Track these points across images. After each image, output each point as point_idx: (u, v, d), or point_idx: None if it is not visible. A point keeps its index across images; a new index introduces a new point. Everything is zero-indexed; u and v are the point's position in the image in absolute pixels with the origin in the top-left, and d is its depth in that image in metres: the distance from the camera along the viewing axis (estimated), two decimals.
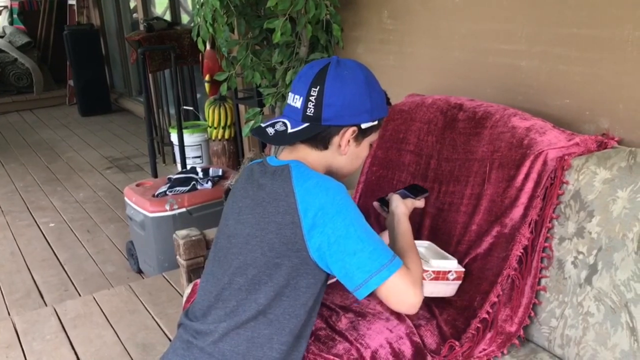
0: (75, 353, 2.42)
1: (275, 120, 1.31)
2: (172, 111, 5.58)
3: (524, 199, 1.64)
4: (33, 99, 8.03)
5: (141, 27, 5.71)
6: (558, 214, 1.57)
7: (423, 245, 1.77)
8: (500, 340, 1.55)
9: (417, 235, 1.91)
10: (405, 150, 2.04)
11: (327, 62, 1.30)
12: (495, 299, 1.59)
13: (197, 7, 2.59)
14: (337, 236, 1.19)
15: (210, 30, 2.52)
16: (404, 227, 1.47)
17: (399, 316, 1.61)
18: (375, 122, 1.34)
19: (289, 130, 1.27)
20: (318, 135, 1.29)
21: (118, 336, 2.53)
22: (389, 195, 1.59)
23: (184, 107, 4.88)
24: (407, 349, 1.52)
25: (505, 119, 1.76)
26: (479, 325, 1.57)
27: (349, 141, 1.32)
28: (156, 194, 3.09)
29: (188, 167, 3.86)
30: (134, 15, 7.05)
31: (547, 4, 1.87)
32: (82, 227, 3.94)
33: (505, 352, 1.54)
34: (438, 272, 1.63)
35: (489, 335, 1.56)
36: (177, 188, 3.11)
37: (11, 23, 9.03)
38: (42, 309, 2.80)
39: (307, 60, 2.72)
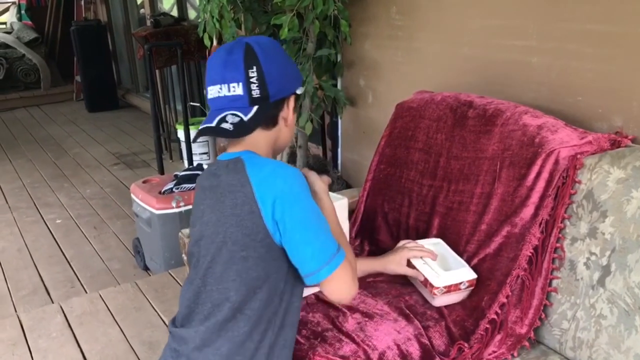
0: (81, 350, 2.41)
1: (222, 115, 1.24)
2: (179, 107, 5.58)
3: (535, 198, 1.61)
4: (40, 94, 8.04)
5: (148, 23, 5.69)
6: (570, 213, 1.54)
7: (432, 243, 1.75)
8: (510, 342, 1.52)
9: (426, 235, 1.89)
10: (414, 148, 2.02)
11: (243, 44, 1.26)
12: (504, 300, 1.56)
13: (204, 3, 2.56)
14: (294, 224, 1.19)
15: (217, 26, 2.50)
16: (328, 206, 1.39)
17: (407, 317, 1.59)
18: (302, 87, 1.39)
19: (245, 119, 1.23)
20: (268, 114, 1.28)
21: (124, 334, 2.52)
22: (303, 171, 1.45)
23: (191, 103, 4.86)
24: (415, 350, 1.49)
25: (516, 116, 1.73)
26: (487, 326, 1.54)
27: (293, 110, 1.35)
28: (162, 191, 3.07)
29: (194, 163, 3.85)
30: (141, 10, 7.04)
31: (559, 0, 1.84)
32: (88, 224, 3.93)
33: (515, 354, 1.51)
34: (449, 285, 1.61)
35: (498, 337, 1.53)
36: (184, 185, 3.10)
37: (19, 19, 9.04)
38: (48, 306, 2.79)
39: (314, 56, 2.70)
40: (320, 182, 1.41)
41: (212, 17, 2.48)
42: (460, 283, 1.62)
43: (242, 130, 1.24)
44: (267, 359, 1.26)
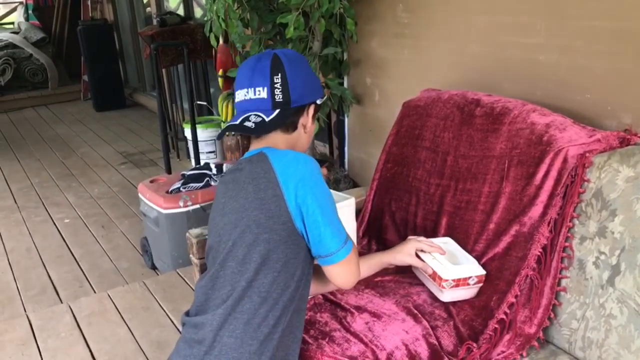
0: (90, 350, 2.42)
1: (246, 115, 1.36)
2: (186, 106, 5.59)
3: (543, 197, 1.60)
4: (48, 94, 8.07)
5: (154, 22, 5.69)
6: (579, 212, 1.53)
7: (442, 242, 1.74)
8: (519, 342, 1.52)
9: (434, 234, 1.88)
10: (421, 146, 2.01)
11: (271, 54, 1.38)
12: (513, 300, 1.56)
13: (210, 2, 2.56)
14: (316, 206, 1.26)
15: (223, 25, 2.50)
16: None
17: (415, 317, 1.59)
18: (325, 96, 1.49)
19: (267, 119, 1.34)
20: (288, 118, 1.38)
21: (132, 333, 2.52)
22: None
23: (198, 102, 4.87)
24: (423, 350, 1.49)
25: (524, 114, 1.72)
26: (496, 326, 1.53)
27: (312, 119, 1.43)
28: (170, 190, 3.08)
29: (202, 162, 3.85)
30: (147, 9, 7.05)
31: None
32: (96, 223, 3.95)
33: (524, 354, 1.50)
34: (458, 279, 1.60)
35: (507, 336, 1.52)
36: (191, 184, 3.10)
37: (26, 19, 9.08)
38: (57, 306, 2.81)
39: (320, 55, 2.69)
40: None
41: (218, 16, 2.48)
42: (469, 278, 1.61)
43: (262, 129, 1.34)
44: (276, 349, 1.28)
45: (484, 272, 1.63)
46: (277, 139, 1.39)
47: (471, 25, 2.19)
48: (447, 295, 1.64)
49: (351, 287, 1.40)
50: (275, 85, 1.34)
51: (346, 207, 1.82)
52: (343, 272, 1.35)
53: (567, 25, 1.84)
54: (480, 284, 1.64)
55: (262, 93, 1.35)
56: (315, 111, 1.46)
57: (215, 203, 1.44)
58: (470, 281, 1.62)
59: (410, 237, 1.72)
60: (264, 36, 2.73)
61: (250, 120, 1.34)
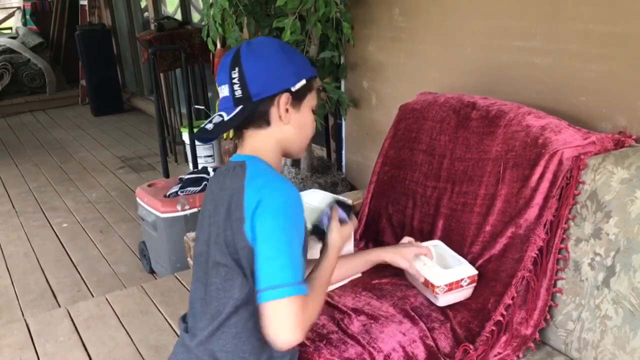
0: (88, 354, 2.43)
1: (213, 116, 1.31)
2: (184, 110, 5.59)
3: (539, 199, 1.61)
4: (46, 99, 8.07)
5: (152, 27, 5.71)
6: (574, 214, 1.54)
7: (432, 245, 1.74)
8: (515, 343, 1.52)
9: (430, 237, 1.89)
10: (418, 149, 2.02)
11: (237, 47, 1.31)
12: (510, 301, 1.56)
13: (207, 7, 2.57)
14: (263, 236, 1.16)
15: (220, 30, 2.51)
16: (331, 262, 1.34)
17: (412, 319, 1.59)
18: (304, 82, 1.29)
19: (226, 118, 1.27)
20: (254, 113, 1.27)
21: (131, 337, 2.53)
22: (327, 224, 1.39)
23: (196, 106, 4.87)
24: (420, 352, 1.50)
25: (519, 117, 1.73)
26: (493, 327, 1.54)
27: (287, 110, 1.29)
28: (168, 194, 3.08)
29: (200, 166, 3.85)
30: (145, 14, 7.06)
31: (562, 0, 1.83)
32: (95, 228, 3.95)
33: (520, 355, 1.51)
34: (450, 283, 1.61)
35: (503, 338, 1.53)
36: (189, 188, 3.10)
37: (24, 24, 9.08)
38: (55, 310, 2.81)
39: (317, 58, 2.70)
40: (336, 236, 1.36)
41: (215, 21, 2.49)
42: (461, 280, 1.62)
43: (220, 129, 1.26)
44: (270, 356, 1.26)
45: (475, 272, 1.64)
46: (255, 137, 1.30)
47: (467, 28, 2.20)
48: (442, 300, 1.64)
49: (280, 346, 1.13)
50: (234, 81, 1.26)
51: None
52: (267, 318, 1.12)
53: (562, 29, 1.85)
54: (474, 284, 1.65)
55: (225, 91, 1.28)
56: (294, 100, 1.29)
57: (202, 206, 1.39)
58: (463, 283, 1.63)
59: (406, 237, 1.72)
60: None
61: (212, 122, 1.28)
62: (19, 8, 9.69)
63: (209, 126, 1.27)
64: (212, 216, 1.30)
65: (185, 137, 4.72)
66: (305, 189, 2.82)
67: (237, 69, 1.25)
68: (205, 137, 1.28)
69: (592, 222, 1.49)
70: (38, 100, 8.02)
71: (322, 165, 3.09)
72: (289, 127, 1.31)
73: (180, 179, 3.24)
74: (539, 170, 1.62)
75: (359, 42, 2.75)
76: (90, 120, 7.17)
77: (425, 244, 1.73)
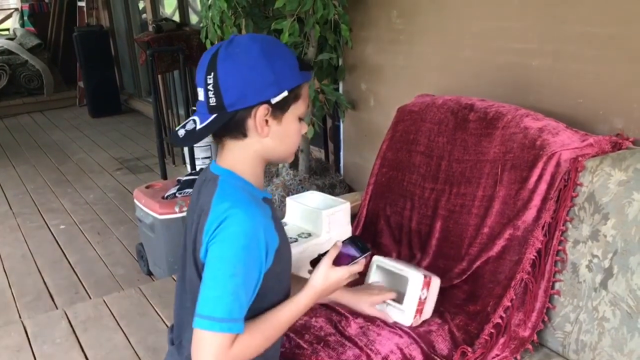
0: (86, 356, 2.42)
1: (187, 121, 1.21)
2: (182, 112, 5.59)
3: (536, 201, 1.61)
4: (43, 100, 8.04)
5: (150, 28, 5.71)
6: (572, 216, 1.55)
7: (374, 263, 1.66)
8: (513, 345, 1.52)
9: (428, 238, 1.89)
10: (416, 151, 2.02)
11: (220, 44, 1.19)
12: (509, 304, 1.57)
13: (205, 9, 2.57)
14: (208, 262, 1.12)
15: (218, 32, 2.51)
16: (299, 305, 1.25)
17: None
18: (285, 94, 1.17)
19: (198, 127, 1.17)
20: (229, 124, 1.17)
21: (128, 339, 2.52)
22: (324, 258, 1.30)
23: (193, 108, 4.88)
24: (418, 355, 1.50)
25: (517, 119, 1.74)
26: (492, 330, 1.54)
27: (266, 121, 1.18)
28: (165, 196, 3.08)
29: (197, 168, 3.85)
30: (143, 16, 7.06)
31: (559, 2, 1.84)
32: (92, 229, 3.94)
33: (518, 357, 1.51)
34: (416, 309, 1.55)
35: (502, 340, 1.53)
36: (187, 190, 3.10)
37: (22, 25, 9.07)
38: (52, 312, 2.80)
39: (315, 60, 2.70)
40: (319, 277, 1.27)
41: (214, 23, 2.49)
42: (420, 297, 1.54)
43: (192, 137, 1.18)
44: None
45: (422, 274, 1.55)
46: (234, 149, 1.21)
47: (465, 31, 2.21)
48: (425, 316, 1.61)
49: None
50: (208, 87, 1.15)
51: (341, 212, 1.84)
52: (193, 345, 1.10)
53: (559, 30, 1.86)
54: (432, 284, 1.58)
55: (201, 95, 1.17)
56: (275, 111, 1.18)
57: (187, 213, 1.32)
58: (422, 296, 1.55)
59: (371, 285, 1.61)
60: None
61: (184, 128, 1.19)
62: (16, 9, 9.69)
63: (181, 132, 1.19)
64: (188, 230, 1.26)
65: None
66: (304, 191, 2.83)
67: (212, 74, 1.15)
68: (177, 143, 1.22)
69: (590, 224, 1.49)
70: (35, 101, 8.00)
71: (320, 167, 3.10)
72: (268, 139, 1.20)
73: (178, 181, 3.23)
74: (536, 172, 1.62)
75: (357, 44, 2.75)
76: (88, 122, 7.15)
77: (370, 277, 1.65)
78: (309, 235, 1.79)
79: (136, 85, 7.69)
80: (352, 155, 3.10)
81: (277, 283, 1.23)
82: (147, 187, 3.25)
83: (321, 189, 2.82)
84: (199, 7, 5.56)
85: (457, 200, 1.84)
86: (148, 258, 3.24)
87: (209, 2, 2.54)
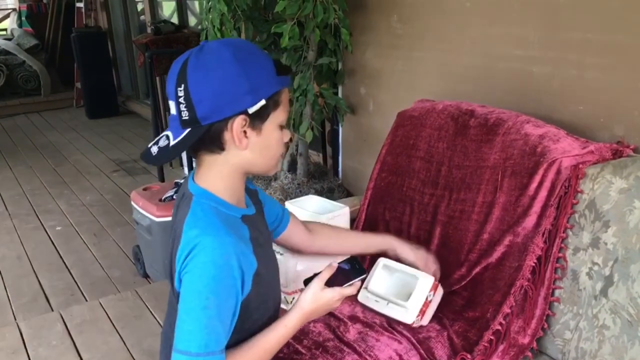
0: (81, 359, 2.40)
1: (160, 136, 1.13)
2: None
3: (537, 207, 1.61)
4: (40, 101, 8.03)
5: (148, 30, 5.70)
6: (572, 223, 1.54)
7: (382, 265, 1.65)
8: (512, 352, 1.52)
9: (428, 244, 1.88)
10: (415, 156, 2.01)
11: (190, 52, 1.10)
12: (508, 310, 1.56)
13: (206, 11, 2.57)
14: (181, 294, 1.08)
15: (218, 35, 2.50)
16: (286, 329, 1.20)
17: (408, 327, 1.58)
18: (263, 102, 1.10)
19: (171, 143, 1.10)
20: (204, 138, 1.10)
21: (124, 342, 2.51)
22: (315, 279, 1.26)
23: None
24: None
25: (517, 126, 1.73)
26: (491, 337, 1.53)
27: (244, 133, 1.11)
28: (163, 198, 3.07)
29: None
30: (141, 17, 7.05)
31: (560, 9, 1.84)
32: (89, 231, 3.92)
33: None
34: (420, 309, 1.54)
35: (501, 347, 1.53)
36: None
37: (19, 25, 9.05)
38: (48, 314, 2.78)
39: (314, 64, 2.70)
40: (308, 298, 1.22)
41: (214, 26, 2.48)
42: (427, 298, 1.54)
43: (164, 155, 1.11)
44: None
45: (432, 278, 1.56)
46: (211, 165, 1.15)
47: (465, 36, 2.21)
48: (425, 320, 1.61)
49: None
50: (180, 100, 1.07)
51: (340, 216, 1.83)
52: None
53: (560, 37, 1.86)
54: (438, 290, 1.60)
55: (173, 109, 1.10)
56: (253, 121, 1.11)
57: (171, 224, 1.26)
58: (429, 297, 1.55)
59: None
60: (260, 45, 2.74)
61: (157, 145, 1.12)
62: (14, 10, 9.66)
63: (154, 149, 1.11)
64: (169, 247, 1.21)
65: None
66: (302, 195, 2.82)
67: (183, 85, 1.07)
68: (149, 161, 1.13)
69: (591, 232, 1.49)
70: (32, 102, 7.98)
71: (318, 170, 3.09)
72: (248, 152, 1.13)
73: (176, 183, 3.22)
74: (537, 178, 1.62)
75: (356, 48, 2.75)
76: (85, 123, 7.14)
77: (376, 268, 1.66)
78: None
79: (134, 87, 7.68)
80: (350, 159, 3.10)
81: (261, 304, 1.19)
82: (144, 190, 3.24)
83: (320, 193, 2.82)
84: (197, 9, 5.57)
85: (457, 206, 1.83)
86: (145, 260, 3.22)
87: (209, 5, 2.54)
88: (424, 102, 2.13)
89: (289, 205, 1.89)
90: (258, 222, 1.26)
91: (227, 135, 1.10)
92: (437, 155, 1.94)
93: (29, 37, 8.53)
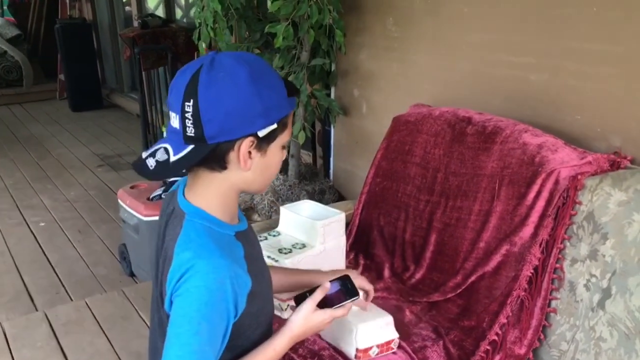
0: None
1: (157, 147, 1.07)
2: (165, 109, 5.51)
3: (534, 217, 1.61)
4: (23, 92, 7.89)
5: (135, 24, 5.62)
6: (570, 234, 1.54)
7: None
8: None
9: (422, 250, 1.88)
10: (411, 162, 2.01)
11: (197, 66, 1.04)
12: (505, 320, 1.56)
13: (198, 10, 2.53)
14: (172, 316, 1.04)
15: (212, 33, 2.47)
16: (277, 350, 1.17)
17: (403, 337, 1.58)
18: (274, 126, 1.07)
19: (172, 158, 1.04)
20: (208, 155, 1.05)
21: (111, 344, 2.47)
22: (309, 297, 1.22)
23: None
24: None
25: (515, 134, 1.73)
26: (488, 347, 1.53)
27: (250, 153, 1.07)
28: (151, 197, 3.03)
29: None
30: (127, 8, 6.96)
31: (559, 18, 1.84)
32: (73, 227, 3.86)
33: None
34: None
35: (497, 357, 1.53)
36: None
37: (1, 15, 8.90)
38: (32, 314, 2.73)
39: (308, 65, 2.68)
40: (298, 320, 1.19)
41: (207, 25, 2.45)
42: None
43: (164, 171, 1.05)
44: None
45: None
46: (209, 182, 1.10)
47: (462, 42, 2.20)
48: None
49: None
50: (186, 115, 1.01)
51: (336, 222, 1.81)
52: None
53: (558, 46, 1.86)
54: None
55: (175, 121, 1.04)
56: (260, 143, 1.07)
57: (156, 234, 1.21)
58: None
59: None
60: (252, 45, 2.71)
61: (155, 157, 1.05)
62: None
63: (151, 163, 1.05)
64: (156, 260, 1.18)
65: None
66: (293, 196, 2.80)
67: (192, 100, 1.01)
68: (147, 175, 1.07)
69: (589, 243, 1.49)
70: (14, 93, 7.84)
71: (309, 172, 3.07)
72: (249, 172, 1.09)
73: (164, 182, 3.18)
74: (535, 188, 1.62)
75: (350, 49, 2.73)
76: (69, 116, 7.03)
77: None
78: (304, 246, 1.76)
79: (118, 80, 7.58)
80: (342, 161, 3.08)
81: (253, 320, 1.16)
82: (131, 188, 3.20)
83: (311, 194, 2.80)
84: (182, 1, 5.51)
85: (453, 214, 1.83)
86: (131, 259, 3.18)
87: (203, 3, 2.50)
88: (420, 107, 2.12)
89: (284, 210, 1.88)
90: (250, 234, 1.23)
91: (232, 155, 1.06)
92: (433, 162, 1.93)
93: (11, 27, 8.38)
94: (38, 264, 3.37)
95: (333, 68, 2.89)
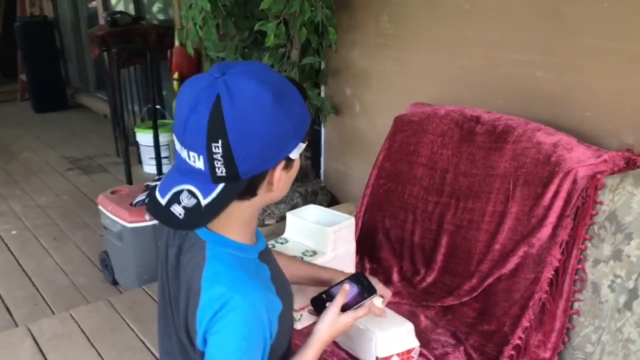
0: None
1: (176, 190, 0.97)
2: (136, 109, 5.36)
3: (552, 218, 1.59)
4: None
5: (102, 21, 5.45)
6: (591, 235, 1.52)
7: None
8: None
9: (433, 253, 1.84)
10: (417, 163, 1.96)
11: (214, 97, 0.92)
12: (527, 324, 1.53)
13: (185, 8, 2.43)
14: (208, 352, 1.00)
15: (200, 33, 2.37)
16: (311, 357, 1.15)
17: (423, 343, 1.54)
18: (304, 144, 1.01)
19: (203, 202, 0.95)
20: (241, 191, 0.99)
21: (102, 358, 2.36)
22: (330, 303, 1.21)
23: (150, 105, 4.68)
24: None
25: (529, 133, 1.70)
26: (512, 352, 1.50)
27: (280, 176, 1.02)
28: (134, 202, 2.92)
29: (158, 168, 3.70)
30: (90, 5, 6.75)
31: (565, 15, 1.82)
32: (47, 235, 3.70)
33: None
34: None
35: None
36: None
37: None
38: (15, 329, 2.59)
39: (299, 64, 2.61)
40: (325, 328, 1.17)
41: (195, 24, 2.35)
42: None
43: (196, 218, 0.96)
44: None
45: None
46: (237, 210, 1.02)
47: (462, 39, 2.16)
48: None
49: None
50: (215, 157, 0.92)
51: (346, 228, 1.76)
52: None
53: (565, 43, 1.83)
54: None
55: (198, 162, 0.94)
56: (288, 162, 1.01)
57: (162, 252, 1.15)
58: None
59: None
60: (240, 44, 2.63)
61: (181, 202, 0.96)
62: None
63: (178, 211, 0.95)
64: (166, 283, 1.12)
65: (140, 137, 4.53)
66: (287, 198, 2.74)
67: (220, 141, 0.91)
68: (177, 226, 0.99)
69: (612, 244, 1.47)
70: None
71: (300, 172, 3.00)
72: (277, 190, 1.04)
73: (147, 186, 3.07)
74: (552, 188, 1.59)
75: (342, 47, 2.67)
76: (32, 117, 6.79)
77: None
78: (314, 253, 1.70)
79: (83, 79, 7.36)
80: (333, 161, 3.02)
81: (277, 342, 1.09)
82: (112, 193, 3.08)
83: (304, 196, 2.74)
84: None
85: (465, 215, 1.79)
86: (114, 267, 3.07)
87: (190, 1, 2.40)
88: (422, 107, 2.08)
89: (291, 216, 1.81)
90: (268, 250, 1.18)
91: (263, 183, 1.00)
92: (442, 162, 1.89)
93: None
94: (13, 274, 3.22)
95: (323, 66, 2.83)
